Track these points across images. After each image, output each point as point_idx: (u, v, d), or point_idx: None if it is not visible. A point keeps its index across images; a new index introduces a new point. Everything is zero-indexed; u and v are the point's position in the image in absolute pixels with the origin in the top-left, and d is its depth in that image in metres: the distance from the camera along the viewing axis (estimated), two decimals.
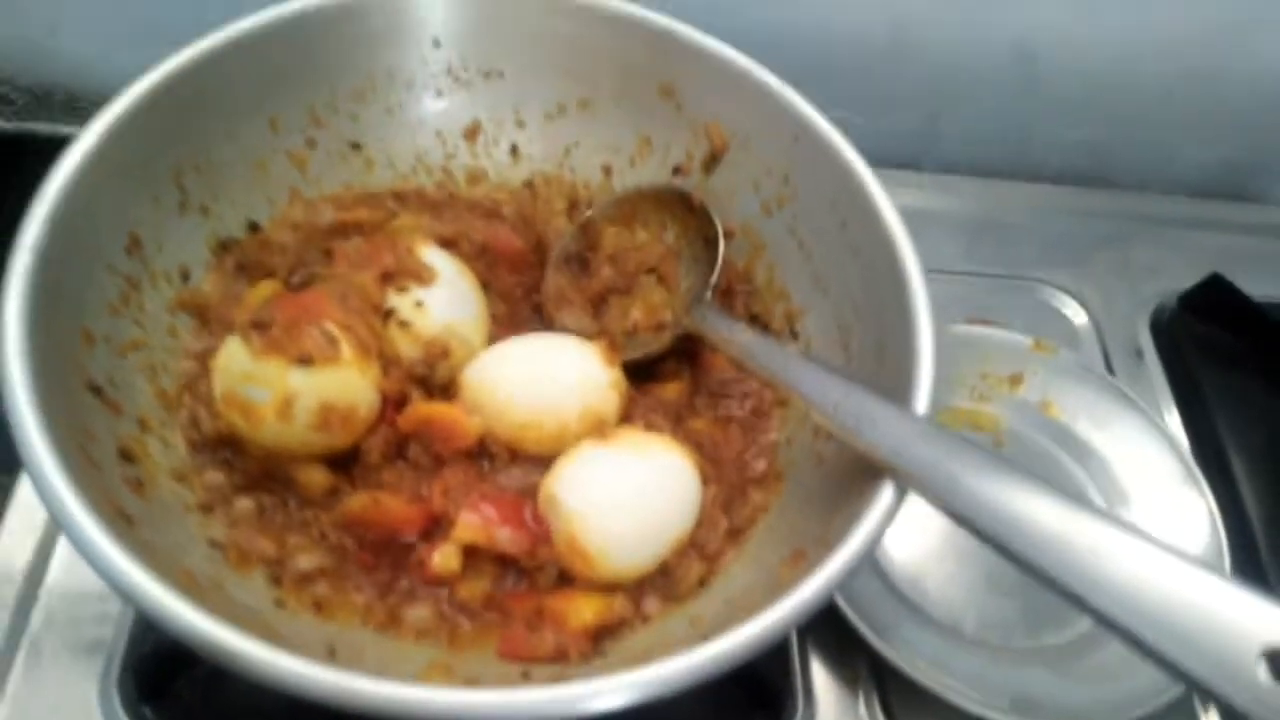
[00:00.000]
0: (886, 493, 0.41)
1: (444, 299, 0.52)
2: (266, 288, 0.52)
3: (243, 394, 0.45)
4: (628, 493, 0.46)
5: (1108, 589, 0.32)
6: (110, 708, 0.51)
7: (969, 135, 0.87)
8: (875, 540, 0.40)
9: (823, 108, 0.84)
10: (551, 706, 0.34)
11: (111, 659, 0.51)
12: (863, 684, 0.54)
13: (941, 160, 0.89)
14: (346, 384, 0.46)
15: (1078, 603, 0.33)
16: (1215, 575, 0.31)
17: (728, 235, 0.60)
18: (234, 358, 0.45)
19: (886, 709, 0.54)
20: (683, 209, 0.59)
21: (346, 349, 0.47)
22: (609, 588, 0.45)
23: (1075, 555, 0.33)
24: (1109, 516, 0.34)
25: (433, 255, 0.53)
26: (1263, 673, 0.29)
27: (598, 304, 0.57)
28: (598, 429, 0.49)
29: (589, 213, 0.60)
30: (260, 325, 0.44)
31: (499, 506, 0.47)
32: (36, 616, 0.54)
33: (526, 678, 0.42)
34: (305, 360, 0.44)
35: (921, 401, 0.43)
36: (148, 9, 0.75)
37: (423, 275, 0.51)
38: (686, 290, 0.57)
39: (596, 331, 0.56)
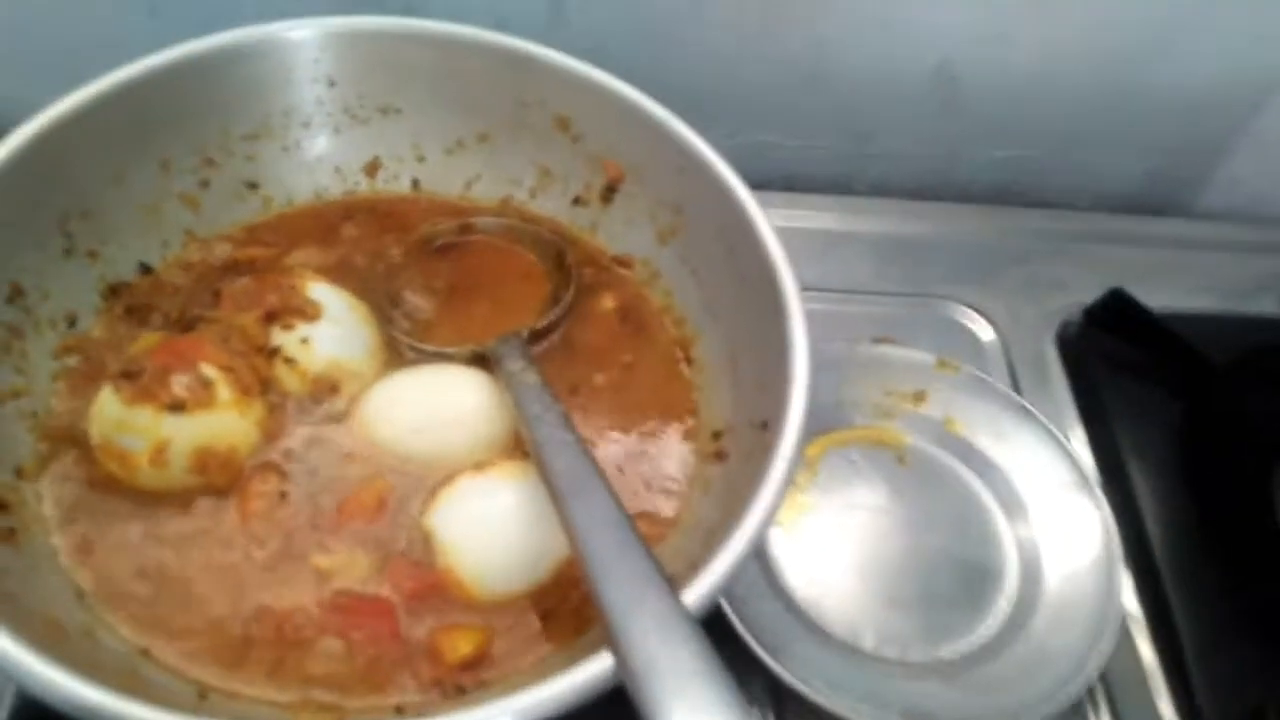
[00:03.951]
0: (760, 506, 0.41)
1: (331, 335, 0.52)
2: (152, 339, 0.52)
3: (117, 442, 0.45)
4: (500, 519, 0.47)
5: None
6: None
7: (897, 156, 0.88)
8: (735, 567, 0.40)
9: (745, 133, 0.86)
10: None
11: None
12: (758, 703, 0.55)
13: (873, 182, 0.90)
14: (224, 426, 0.47)
15: None
16: None
17: (627, 265, 0.61)
18: (106, 406, 0.45)
19: None
20: (556, 261, 0.60)
21: (224, 391, 0.47)
22: (493, 611, 0.46)
23: None
24: None
25: (319, 291, 0.53)
26: None
27: (442, 294, 0.58)
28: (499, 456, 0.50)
29: (473, 220, 0.61)
30: (130, 374, 0.45)
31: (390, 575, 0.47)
32: None
33: (400, 712, 0.42)
34: (176, 406, 0.45)
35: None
36: (68, 43, 0.74)
37: (307, 311, 0.51)
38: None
39: (432, 312, 0.57)
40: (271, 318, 0.51)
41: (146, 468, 0.45)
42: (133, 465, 0.45)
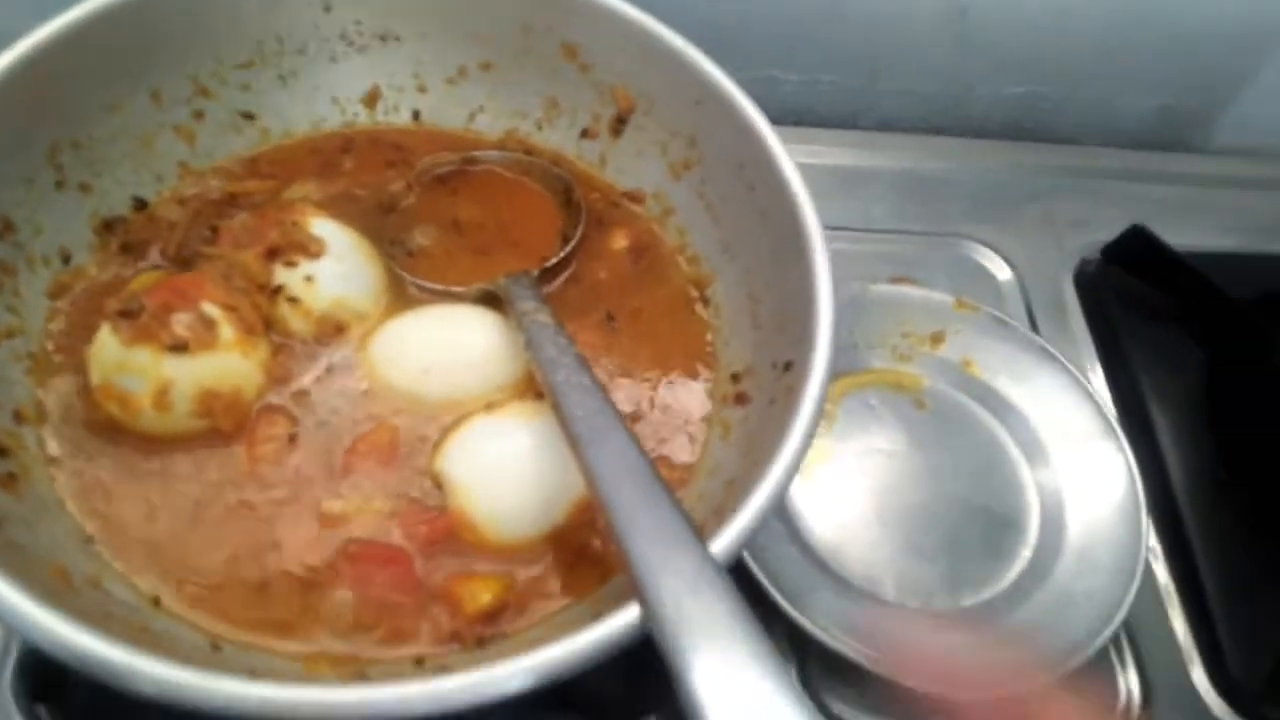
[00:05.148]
0: (788, 451, 0.40)
1: (335, 272, 0.50)
2: (150, 277, 0.49)
3: (118, 384, 0.43)
4: (513, 460, 0.46)
5: None
6: (3, 707, 0.49)
7: (907, 92, 0.86)
8: (763, 515, 0.39)
9: (752, 67, 0.83)
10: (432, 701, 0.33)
11: (4, 658, 0.50)
12: (781, 652, 0.54)
13: (881, 118, 0.87)
14: (228, 368, 0.45)
15: None
16: None
17: (638, 201, 0.59)
18: (105, 347, 0.43)
19: (805, 677, 0.54)
20: (564, 196, 0.58)
21: (227, 331, 0.45)
22: (509, 556, 0.45)
23: None
24: None
25: (322, 226, 0.51)
26: None
27: (448, 231, 0.56)
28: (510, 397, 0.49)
29: (477, 153, 0.59)
30: (128, 313, 0.43)
31: (402, 521, 0.45)
32: None
33: (420, 664, 0.41)
34: (178, 347, 0.43)
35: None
36: None
37: (310, 248, 0.49)
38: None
39: (438, 249, 0.55)
40: (273, 254, 0.49)
41: (149, 410, 0.43)
42: (134, 408, 0.43)
